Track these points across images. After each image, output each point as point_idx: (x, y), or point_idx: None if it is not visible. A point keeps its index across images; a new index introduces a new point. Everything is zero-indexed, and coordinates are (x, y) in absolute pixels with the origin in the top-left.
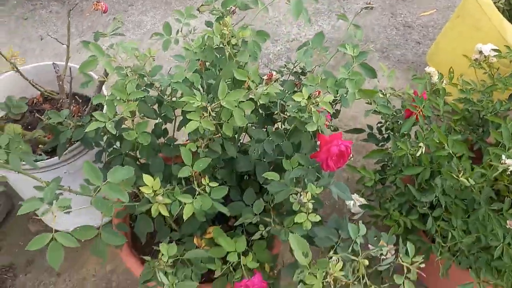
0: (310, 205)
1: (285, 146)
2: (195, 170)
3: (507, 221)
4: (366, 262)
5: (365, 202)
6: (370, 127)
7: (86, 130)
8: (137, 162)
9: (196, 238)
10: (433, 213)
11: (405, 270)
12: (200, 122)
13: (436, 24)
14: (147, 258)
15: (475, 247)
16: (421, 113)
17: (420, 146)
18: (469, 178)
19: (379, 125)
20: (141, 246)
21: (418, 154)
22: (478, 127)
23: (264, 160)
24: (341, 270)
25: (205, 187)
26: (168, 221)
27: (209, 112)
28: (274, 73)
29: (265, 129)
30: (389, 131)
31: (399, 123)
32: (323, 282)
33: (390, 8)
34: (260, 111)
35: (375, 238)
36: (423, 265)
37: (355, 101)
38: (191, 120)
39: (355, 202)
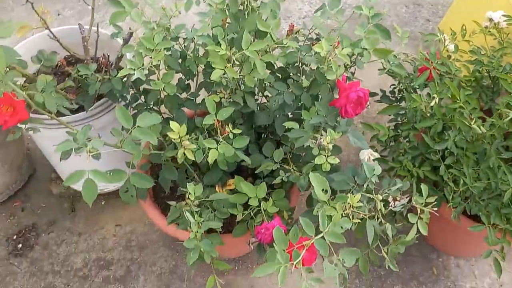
0: (330, 147)
1: (304, 98)
2: (218, 119)
3: None
4: (380, 197)
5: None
6: (383, 91)
7: (117, 76)
8: (161, 117)
9: (218, 186)
10: (445, 161)
11: (419, 211)
12: (225, 71)
13: (445, 2)
14: (172, 202)
15: (486, 194)
16: (434, 68)
17: (434, 97)
18: (480, 126)
19: (392, 87)
20: (161, 203)
21: (432, 104)
22: (488, 89)
23: (284, 114)
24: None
25: (228, 135)
26: (190, 174)
27: (233, 62)
28: (295, 24)
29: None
30: (402, 93)
31: (412, 84)
32: (342, 214)
33: None
34: (277, 74)
35: (389, 185)
36: (435, 210)
37: (368, 72)
38: (216, 69)
39: (369, 157)
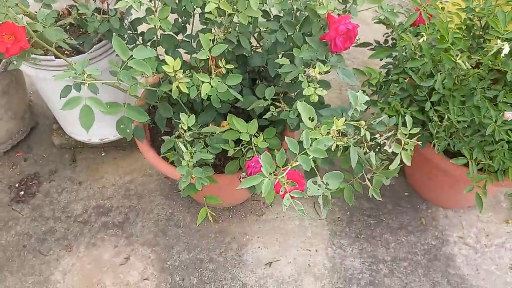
0: (318, 77)
1: (296, 36)
2: (212, 55)
3: (505, 113)
4: (363, 123)
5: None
6: (377, 41)
7: (115, 15)
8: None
9: (212, 124)
10: (432, 98)
11: (403, 142)
12: (219, 5)
13: None
14: (166, 137)
15: (469, 130)
16: (424, 10)
17: (422, 35)
18: (466, 62)
19: (385, 36)
20: (158, 146)
21: (420, 42)
22: (480, 38)
23: (277, 54)
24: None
25: (221, 70)
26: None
27: None
28: None
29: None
30: (394, 40)
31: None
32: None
33: None
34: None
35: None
36: (419, 143)
37: (361, 25)
38: (210, 2)
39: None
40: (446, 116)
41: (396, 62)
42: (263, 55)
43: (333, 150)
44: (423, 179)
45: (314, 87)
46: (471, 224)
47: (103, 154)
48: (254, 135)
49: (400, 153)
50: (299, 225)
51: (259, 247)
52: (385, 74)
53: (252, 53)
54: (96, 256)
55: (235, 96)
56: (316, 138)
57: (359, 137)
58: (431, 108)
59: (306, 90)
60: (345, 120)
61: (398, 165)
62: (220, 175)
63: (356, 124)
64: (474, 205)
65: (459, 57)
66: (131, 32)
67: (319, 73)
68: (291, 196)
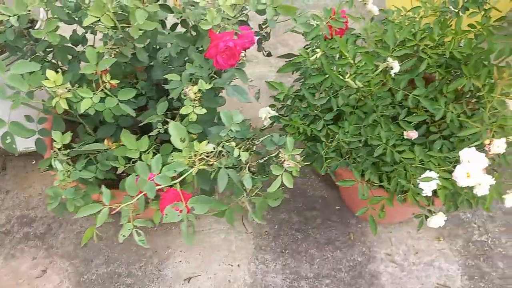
0: (192, 96)
1: (190, 50)
2: (99, 70)
3: (405, 132)
4: (233, 144)
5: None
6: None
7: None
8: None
9: (107, 140)
10: (325, 116)
11: (285, 163)
12: (100, 19)
13: None
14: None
15: (363, 150)
16: (327, 24)
17: (316, 52)
18: (356, 81)
19: (304, 47)
20: None
21: (311, 59)
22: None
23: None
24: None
25: (116, 87)
26: (87, 129)
27: (110, 10)
28: None
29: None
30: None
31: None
32: (189, 159)
33: None
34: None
35: (270, 140)
36: (306, 163)
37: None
38: (89, 16)
39: (267, 114)
40: (336, 136)
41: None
42: (165, 68)
43: (194, 174)
44: (351, 193)
45: (193, 106)
46: (400, 240)
47: (33, 162)
48: (145, 152)
49: (281, 175)
50: (224, 238)
51: (180, 261)
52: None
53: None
54: (14, 267)
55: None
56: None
57: (238, 158)
58: (324, 126)
59: (183, 109)
60: (219, 141)
61: (281, 188)
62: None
63: (228, 144)
64: (405, 221)
65: (348, 75)
66: (31, 44)
67: (200, 91)
68: (135, 226)
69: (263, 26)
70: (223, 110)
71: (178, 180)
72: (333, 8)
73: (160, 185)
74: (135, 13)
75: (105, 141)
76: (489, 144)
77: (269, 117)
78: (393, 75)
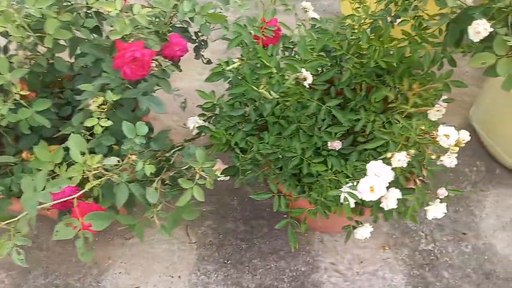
0: (94, 108)
1: (106, 60)
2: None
3: (329, 142)
4: (134, 157)
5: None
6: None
7: None
8: None
9: (26, 152)
10: (244, 127)
11: (197, 176)
12: (6, 28)
13: None
14: None
15: (281, 162)
16: (251, 34)
17: (234, 62)
18: (271, 91)
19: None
20: None
21: (228, 69)
22: None
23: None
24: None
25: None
26: (9, 140)
27: (17, 20)
28: None
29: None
30: None
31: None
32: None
33: None
34: None
35: (187, 152)
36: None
37: None
38: None
39: (195, 124)
40: (252, 147)
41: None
42: (88, 78)
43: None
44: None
45: (98, 117)
46: (346, 249)
47: None
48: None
49: (192, 188)
50: (166, 249)
51: (120, 272)
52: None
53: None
54: None
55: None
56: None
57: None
58: (243, 138)
59: (88, 121)
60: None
61: (191, 201)
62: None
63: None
64: None
65: (261, 86)
66: None
67: (104, 103)
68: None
69: (199, 34)
70: (139, 122)
71: (76, 195)
72: (263, 17)
73: (43, 203)
74: (47, 23)
75: (24, 153)
76: (390, 158)
77: (197, 127)
78: (307, 86)
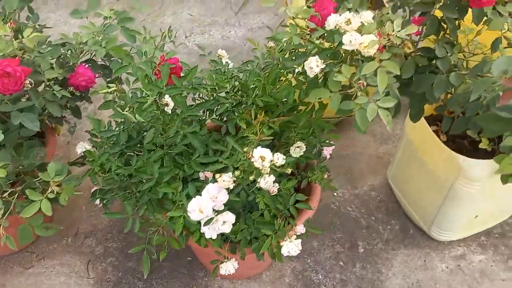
0: None
1: None
2: None
3: (201, 172)
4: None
5: None
6: None
7: None
8: None
9: None
10: (111, 150)
11: (49, 189)
12: None
13: None
14: None
15: (140, 186)
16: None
17: (110, 87)
18: (136, 115)
19: None
20: None
21: (102, 91)
22: None
23: None
24: None
25: None
26: None
27: None
28: None
29: None
30: None
31: None
32: None
33: None
34: None
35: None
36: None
37: None
38: None
39: (83, 149)
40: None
41: None
42: None
43: None
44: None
45: None
46: None
47: None
48: None
49: (41, 202)
50: (63, 282)
51: None
52: None
53: None
54: None
55: None
56: None
57: None
58: (108, 159)
59: None
60: None
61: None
62: None
63: None
64: (254, 276)
65: (127, 108)
66: None
67: None
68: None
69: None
70: None
71: None
72: (162, 55)
73: None
74: None
75: None
76: (217, 178)
77: (83, 152)
78: (169, 111)
